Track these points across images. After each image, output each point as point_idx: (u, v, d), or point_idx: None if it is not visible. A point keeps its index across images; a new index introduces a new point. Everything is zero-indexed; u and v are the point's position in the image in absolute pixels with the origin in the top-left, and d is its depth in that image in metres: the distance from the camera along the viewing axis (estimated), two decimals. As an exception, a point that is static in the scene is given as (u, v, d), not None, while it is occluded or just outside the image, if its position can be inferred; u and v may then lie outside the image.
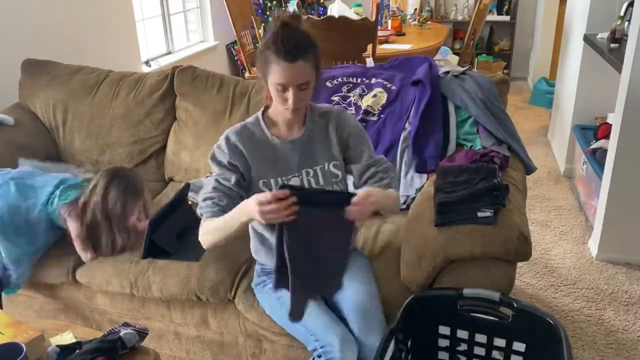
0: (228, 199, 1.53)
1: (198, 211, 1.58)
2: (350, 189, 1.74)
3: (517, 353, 1.55)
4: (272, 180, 1.58)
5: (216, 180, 1.56)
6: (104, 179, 1.96)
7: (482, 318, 1.54)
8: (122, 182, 1.95)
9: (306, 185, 1.59)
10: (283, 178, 1.58)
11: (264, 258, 1.71)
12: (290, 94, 1.45)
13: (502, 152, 1.97)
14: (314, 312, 1.55)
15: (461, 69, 2.30)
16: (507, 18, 5.79)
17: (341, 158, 1.64)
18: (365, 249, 1.87)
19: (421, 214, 1.74)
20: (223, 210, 1.51)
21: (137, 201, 1.98)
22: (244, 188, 1.58)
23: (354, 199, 1.36)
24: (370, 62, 3.45)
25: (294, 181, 1.58)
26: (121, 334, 1.44)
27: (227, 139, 1.58)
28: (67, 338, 1.53)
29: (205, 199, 1.55)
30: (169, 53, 4.62)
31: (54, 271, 2.03)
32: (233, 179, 1.55)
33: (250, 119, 1.64)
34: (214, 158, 1.59)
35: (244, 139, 1.58)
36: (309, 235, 1.38)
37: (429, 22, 4.90)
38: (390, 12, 4.65)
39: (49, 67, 2.71)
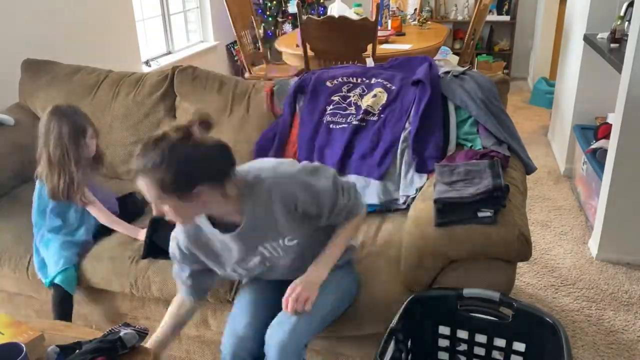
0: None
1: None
2: None
3: (517, 353, 1.55)
4: (228, 269, 1.55)
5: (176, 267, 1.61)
6: (48, 125, 1.97)
7: (482, 318, 1.54)
8: (65, 122, 1.96)
9: (267, 255, 1.51)
10: (241, 264, 1.53)
11: None
12: None
13: (502, 152, 1.97)
14: (237, 311, 1.59)
15: (461, 69, 2.30)
16: (507, 18, 5.79)
17: (298, 224, 1.48)
18: (365, 249, 1.87)
19: (421, 214, 1.74)
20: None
21: (85, 135, 2.00)
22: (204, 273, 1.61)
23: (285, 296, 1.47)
24: (370, 62, 3.45)
25: (252, 262, 1.52)
26: (121, 334, 1.44)
27: (178, 245, 1.54)
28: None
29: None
30: (169, 53, 4.62)
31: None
32: (186, 274, 1.60)
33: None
34: (172, 254, 1.58)
35: (190, 237, 1.51)
36: None
37: (429, 22, 4.90)
38: (390, 12, 4.65)
39: (49, 67, 2.71)
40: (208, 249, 1.52)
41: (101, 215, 2.05)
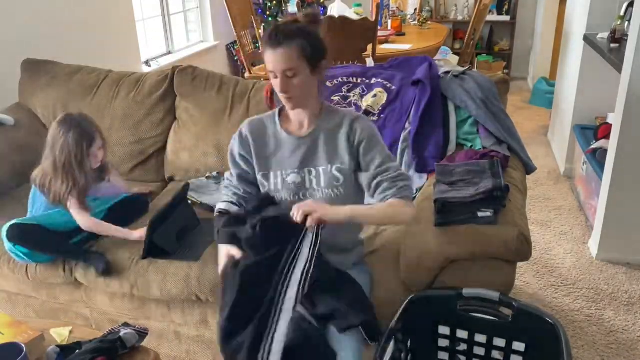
0: (238, 197, 1.69)
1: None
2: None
3: (517, 353, 1.55)
4: (271, 173, 1.63)
5: (227, 179, 1.72)
6: (56, 133, 1.99)
7: (482, 318, 1.54)
8: (73, 130, 1.98)
9: (307, 184, 1.60)
10: (283, 172, 1.61)
11: None
12: (278, 81, 1.49)
13: (502, 152, 1.97)
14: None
15: (461, 69, 2.30)
16: (507, 18, 5.79)
17: (351, 163, 1.59)
18: (365, 249, 1.87)
19: (421, 214, 1.74)
20: (238, 201, 1.68)
21: (92, 143, 2.01)
22: (249, 181, 1.68)
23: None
24: (370, 62, 3.45)
25: (292, 177, 1.60)
26: (121, 334, 1.45)
27: (240, 129, 1.67)
28: (64, 332, 1.54)
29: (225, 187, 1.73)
30: (169, 53, 4.62)
31: (54, 271, 2.03)
32: (235, 180, 1.69)
33: (269, 113, 1.70)
34: (231, 151, 1.68)
35: (254, 130, 1.65)
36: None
37: (429, 22, 4.90)
38: (390, 12, 4.65)
39: (49, 67, 2.71)
40: (263, 141, 1.64)
41: (83, 219, 2.01)
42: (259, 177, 1.65)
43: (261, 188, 1.66)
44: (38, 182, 2.03)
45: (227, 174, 1.75)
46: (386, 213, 1.54)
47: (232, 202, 1.68)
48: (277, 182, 1.62)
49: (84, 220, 2.01)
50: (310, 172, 1.61)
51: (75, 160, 1.97)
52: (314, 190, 1.60)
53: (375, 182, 1.56)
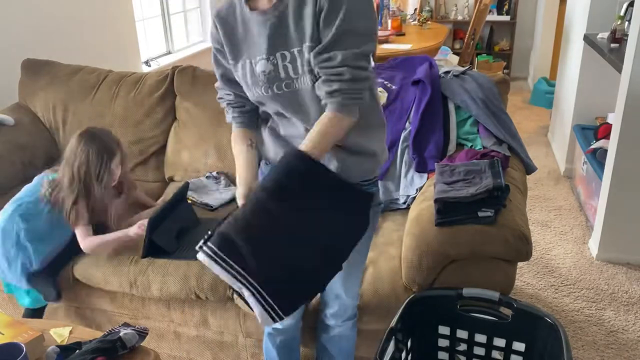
0: (233, 108, 1.43)
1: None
2: None
3: (517, 353, 1.55)
4: (239, 64, 1.33)
5: (216, 86, 1.46)
6: (75, 146, 1.93)
7: (481, 318, 1.55)
8: (93, 144, 1.92)
9: (282, 73, 1.27)
10: (251, 61, 1.30)
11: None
12: None
13: (502, 152, 1.97)
14: None
15: (461, 69, 2.30)
16: (507, 18, 5.79)
17: (316, 36, 1.23)
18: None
19: (421, 213, 1.74)
20: (239, 113, 1.43)
21: (112, 158, 1.95)
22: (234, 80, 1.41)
23: None
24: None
25: (261, 65, 1.28)
26: (121, 334, 1.44)
27: (212, 20, 1.36)
28: (64, 332, 1.54)
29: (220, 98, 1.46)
30: (169, 53, 4.62)
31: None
32: (219, 83, 1.43)
33: None
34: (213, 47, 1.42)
35: (222, 13, 1.34)
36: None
37: (429, 22, 4.90)
38: (390, 12, 4.65)
39: (49, 67, 2.71)
40: (231, 26, 1.32)
41: (85, 241, 1.96)
42: (231, 66, 1.35)
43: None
44: (50, 196, 1.96)
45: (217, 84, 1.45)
46: (323, 139, 1.24)
47: (238, 122, 1.42)
48: (246, 74, 1.31)
49: (86, 243, 1.96)
50: (284, 58, 1.26)
51: (95, 175, 1.91)
52: (291, 81, 1.27)
53: (315, 71, 1.24)
